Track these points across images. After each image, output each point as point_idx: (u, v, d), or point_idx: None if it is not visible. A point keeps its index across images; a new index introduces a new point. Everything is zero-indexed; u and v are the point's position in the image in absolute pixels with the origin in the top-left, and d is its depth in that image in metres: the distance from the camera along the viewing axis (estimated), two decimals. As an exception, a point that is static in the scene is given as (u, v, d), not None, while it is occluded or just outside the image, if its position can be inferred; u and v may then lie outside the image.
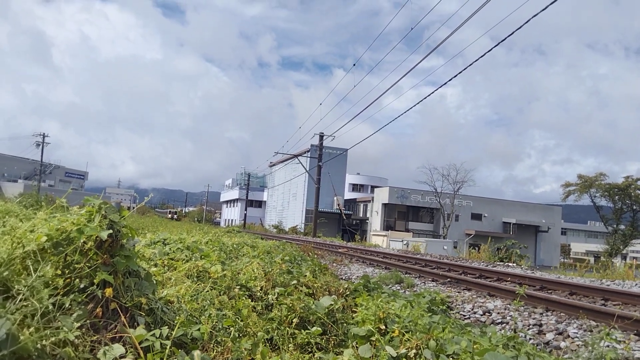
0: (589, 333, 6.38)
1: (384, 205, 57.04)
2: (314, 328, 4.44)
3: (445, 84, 15.07)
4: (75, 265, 2.98)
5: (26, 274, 2.80)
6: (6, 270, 2.70)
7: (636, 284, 12.02)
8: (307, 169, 50.13)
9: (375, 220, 58.13)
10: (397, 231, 52.38)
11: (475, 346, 4.07)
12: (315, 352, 4.17)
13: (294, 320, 4.56)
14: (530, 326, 6.95)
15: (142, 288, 3.32)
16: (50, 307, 2.63)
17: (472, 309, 8.29)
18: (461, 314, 8.09)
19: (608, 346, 5.32)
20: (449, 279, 11.63)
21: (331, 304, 4.95)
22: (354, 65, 25.91)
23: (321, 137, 43.87)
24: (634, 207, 59.28)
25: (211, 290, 4.86)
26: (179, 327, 3.20)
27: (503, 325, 7.26)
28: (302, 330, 4.43)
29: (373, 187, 69.39)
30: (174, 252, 7.15)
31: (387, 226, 56.44)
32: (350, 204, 67.76)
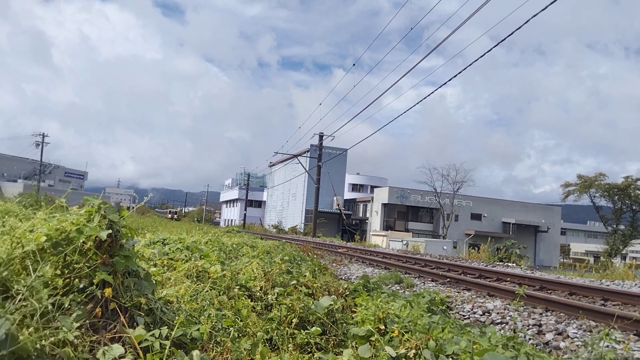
0: (589, 333, 6.38)
1: (384, 205, 57.05)
2: (314, 328, 4.44)
3: (445, 84, 15.07)
4: (75, 265, 2.98)
5: (25, 274, 2.80)
6: (5, 270, 2.69)
7: (636, 284, 12.02)
8: (307, 169, 50.14)
9: (375, 220, 58.14)
10: (397, 231, 52.40)
11: (474, 346, 4.07)
12: (314, 352, 4.17)
13: (293, 321, 4.56)
14: (530, 326, 6.95)
15: (142, 288, 3.31)
16: (50, 307, 2.62)
17: (472, 309, 8.29)
18: (461, 314, 8.09)
19: (607, 346, 5.32)
20: (448, 279, 11.63)
21: (331, 304, 4.95)
22: (354, 65, 25.92)
23: (321, 137, 43.87)
24: (634, 207, 59.30)
25: (210, 290, 4.86)
26: (178, 327, 3.20)
27: (502, 325, 7.26)
28: (302, 331, 4.43)
29: (373, 187, 69.40)
30: (173, 252, 7.15)
31: (387, 226, 56.45)
32: (350, 204, 67.78)
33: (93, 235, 3.02)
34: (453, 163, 61.28)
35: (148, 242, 8.15)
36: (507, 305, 8.28)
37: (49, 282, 2.83)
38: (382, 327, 4.57)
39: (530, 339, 6.38)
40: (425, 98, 17.07)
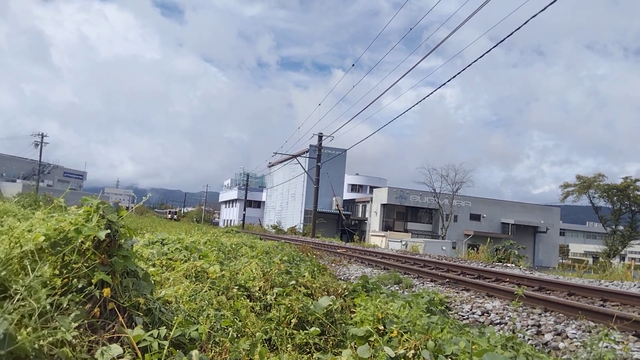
0: (588, 334, 6.39)
1: (383, 205, 57.06)
2: (313, 328, 4.43)
3: (444, 84, 15.09)
4: (73, 265, 2.97)
5: (24, 273, 2.79)
6: (4, 270, 2.69)
7: (635, 285, 12.03)
8: (306, 170, 50.15)
9: (374, 221, 58.14)
10: (396, 232, 52.41)
11: (473, 347, 4.07)
12: (313, 352, 4.17)
13: (292, 321, 4.56)
14: (529, 327, 6.95)
15: (140, 288, 3.31)
16: (48, 307, 2.62)
17: (471, 310, 8.29)
18: (460, 315, 8.08)
19: (607, 347, 5.32)
20: (447, 280, 11.63)
21: (330, 305, 4.94)
22: (353, 65, 25.91)
23: (320, 137, 43.88)
24: (633, 208, 59.36)
25: (209, 290, 4.86)
26: (177, 328, 3.20)
27: (502, 325, 7.26)
28: (301, 331, 4.43)
29: (372, 188, 69.44)
30: (172, 252, 7.15)
31: (386, 227, 56.47)
32: (349, 204, 67.79)
33: (91, 235, 3.01)
34: (452, 164, 61.36)
35: (147, 242, 8.14)
36: (506, 306, 8.28)
37: (48, 282, 2.82)
38: (381, 327, 4.57)
39: (529, 339, 6.38)
40: (424, 98, 17.09)
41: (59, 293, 2.80)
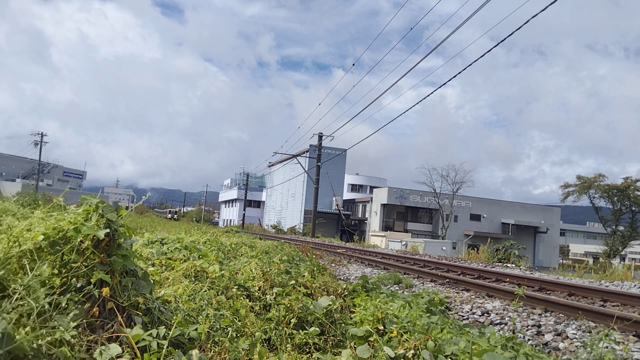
0: (588, 334, 6.38)
1: (383, 205, 57.06)
2: (312, 328, 4.43)
3: (444, 84, 15.08)
4: (72, 264, 2.96)
5: (22, 273, 2.79)
6: (2, 269, 2.68)
7: (635, 285, 12.02)
8: (306, 169, 50.15)
9: (374, 221, 58.14)
10: (396, 232, 52.41)
11: (473, 347, 4.06)
12: (313, 352, 4.16)
13: (292, 321, 4.55)
14: (529, 327, 6.94)
15: (139, 288, 3.30)
16: (47, 306, 2.61)
17: (471, 310, 8.28)
18: (460, 315, 8.08)
19: (607, 347, 5.32)
20: (447, 280, 11.63)
21: (329, 304, 4.93)
22: (353, 65, 25.91)
23: (320, 137, 43.88)
24: (633, 209, 59.36)
25: (209, 290, 4.85)
26: (176, 327, 3.19)
27: (502, 326, 7.25)
28: (300, 331, 4.42)
29: (372, 188, 69.44)
30: (171, 251, 7.14)
31: (386, 227, 56.47)
32: (349, 204, 67.79)
33: (91, 234, 3.00)
34: (452, 164, 61.37)
35: (146, 242, 8.13)
36: (506, 306, 8.27)
37: (46, 281, 2.82)
38: (381, 327, 4.56)
39: (529, 339, 6.38)
40: (424, 98, 17.08)
41: (57, 292, 2.79)
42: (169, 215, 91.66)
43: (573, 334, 6.42)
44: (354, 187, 77.36)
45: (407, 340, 4.11)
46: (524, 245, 33.04)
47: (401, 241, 37.96)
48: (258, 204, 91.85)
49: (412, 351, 3.91)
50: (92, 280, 2.93)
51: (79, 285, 2.91)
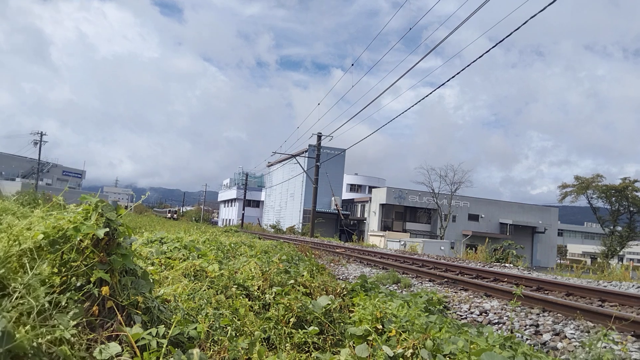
0: (586, 334, 6.39)
1: (382, 205, 57.09)
2: (311, 327, 4.43)
3: (443, 84, 15.09)
4: (72, 263, 2.97)
5: (22, 271, 2.79)
6: (2, 267, 2.68)
7: (633, 286, 12.04)
8: (305, 169, 50.15)
9: (373, 221, 58.16)
10: (395, 231, 52.43)
11: (472, 346, 4.07)
12: (312, 351, 4.17)
13: (291, 320, 4.56)
14: (527, 326, 6.96)
15: (139, 287, 3.31)
16: (47, 305, 2.61)
17: (469, 309, 8.29)
18: (458, 314, 8.09)
19: (605, 347, 5.33)
20: (446, 279, 11.64)
21: (328, 304, 4.94)
22: (352, 65, 25.90)
23: (319, 137, 43.88)
24: (631, 209, 59.44)
25: (208, 289, 4.85)
26: (175, 326, 3.19)
27: (500, 325, 7.26)
28: (299, 330, 4.43)
29: (371, 188, 69.46)
30: (171, 251, 7.14)
31: (385, 226, 56.48)
32: (348, 204, 67.80)
33: (90, 233, 3.01)
34: (451, 164, 61.39)
35: (145, 241, 8.13)
36: (505, 306, 8.29)
37: (46, 280, 2.82)
38: (380, 326, 4.57)
39: (527, 339, 6.39)
40: (423, 98, 17.09)
41: (57, 291, 2.80)
42: (169, 214, 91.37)
43: (571, 333, 6.44)
44: (353, 187, 77.37)
45: (405, 339, 4.12)
46: (521, 245, 33.10)
47: (400, 241, 37.97)
48: (257, 203, 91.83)
49: (410, 350, 3.92)
50: (91, 279, 2.94)
51: (78, 284, 2.92)
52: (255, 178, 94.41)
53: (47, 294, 2.68)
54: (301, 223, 61.66)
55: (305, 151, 61.02)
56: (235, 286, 5.31)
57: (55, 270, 2.91)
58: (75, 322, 2.64)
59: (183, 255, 6.80)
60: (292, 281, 6.12)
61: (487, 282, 11.37)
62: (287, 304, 4.81)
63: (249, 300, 5.08)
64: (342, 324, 4.86)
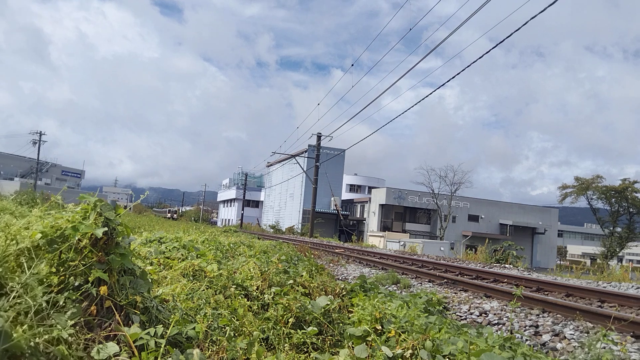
0: (586, 334, 6.38)
1: (381, 206, 57.09)
2: (310, 328, 4.42)
3: (443, 85, 15.09)
4: (70, 262, 2.96)
5: (20, 271, 2.78)
6: (0, 267, 2.67)
7: (632, 286, 12.04)
8: (305, 169, 50.15)
9: (372, 221, 58.15)
10: (394, 232, 52.43)
11: (471, 347, 4.06)
12: (311, 352, 4.15)
13: (290, 320, 4.55)
14: (527, 327, 6.95)
15: (137, 286, 3.29)
16: (44, 304, 2.60)
17: (469, 310, 8.28)
18: (458, 315, 8.08)
19: (604, 347, 5.32)
20: (445, 280, 11.63)
21: (327, 304, 4.93)
22: (352, 65, 25.89)
23: (319, 137, 43.88)
24: (631, 210, 59.46)
25: (207, 289, 4.84)
26: (174, 326, 3.18)
27: (499, 326, 7.26)
28: (298, 330, 4.42)
29: (370, 188, 69.47)
30: (169, 250, 7.13)
31: (384, 227, 56.48)
32: (348, 204, 67.80)
33: (89, 232, 3.00)
34: (451, 164, 61.47)
35: (144, 241, 8.12)
36: (504, 306, 8.28)
37: (44, 280, 2.81)
38: (379, 327, 4.56)
39: (527, 339, 6.38)
40: (423, 99, 17.09)
41: (55, 291, 2.79)
42: (168, 214, 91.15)
43: (571, 334, 6.43)
44: (353, 188, 77.38)
45: (405, 340, 4.11)
46: (521, 246, 33.15)
47: (399, 241, 37.96)
48: (256, 203, 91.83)
49: (410, 351, 3.91)
50: (90, 278, 2.93)
51: (76, 283, 2.90)
52: (254, 178, 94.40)
53: (44, 294, 2.67)
54: (300, 223, 61.65)
55: (305, 151, 61.03)
56: (234, 286, 5.30)
57: (53, 269, 2.90)
58: (73, 322, 2.63)
59: (182, 255, 6.79)
60: (291, 281, 6.11)
61: (486, 282, 11.37)
62: (286, 304, 4.80)
63: (248, 301, 5.07)
64: (341, 324, 4.85)
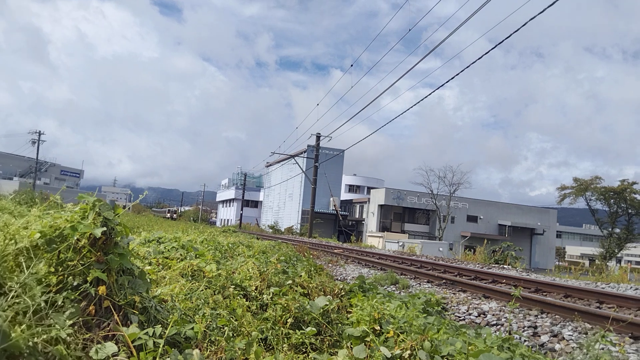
0: (584, 335, 6.39)
1: (380, 206, 57.10)
2: (309, 328, 4.42)
3: (442, 85, 15.10)
4: (69, 262, 2.95)
5: (19, 270, 2.78)
6: (-2, 266, 2.67)
7: (631, 287, 12.05)
8: (304, 170, 50.16)
9: (371, 222, 58.17)
10: (393, 232, 52.44)
11: (470, 347, 4.07)
12: (309, 352, 4.15)
13: (288, 320, 4.54)
14: (525, 328, 6.95)
15: (136, 286, 3.29)
16: (43, 304, 2.60)
17: (467, 311, 8.29)
18: (456, 316, 8.08)
19: (603, 348, 5.33)
20: (444, 281, 11.63)
21: (326, 305, 4.93)
22: (352, 66, 25.90)
23: (318, 137, 43.89)
24: (629, 211, 59.54)
25: (206, 289, 4.84)
26: (172, 326, 3.18)
27: (498, 327, 7.26)
28: (297, 331, 4.41)
29: (369, 189, 69.49)
30: (168, 250, 7.12)
31: (383, 227, 56.50)
32: (347, 205, 67.80)
33: (87, 232, 3.00)
34: (450, 165, 61.54)
35: (143, 241, 8.12)
36: (503, 307, 8.28)
37: (42, 279, 2.81)
38: (378, 327, 4.56)
39: (525, 340, 6.38)
40: (423, 99, 17.10)
41: (54, 290, 2.78)
42: (168, 214, 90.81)
43: (569, 335, 6.43)
44: (352, 188, 77.39)
45: (403, 340, 4.11)
46: (520, 247, 33.18)
47: (398, 242, 37.98)
48: (255, 204, 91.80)
49: (408, 351, 3.91)
50: (88, 278, 2.93)
51: (75, 283, 2.90)
52: (253, 178, 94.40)
53: (43, 293, 2.67)
54: (299, 223, 61.65)
55: (304, 151, 61.05)
56: (233, 286, 5.29)
57: (52, 269, 2.90)
58: (71, 322, 2.63)
59: (181, 255, 6.79)
60: (289, 282, 6.11)
61: (485, 283, 11.37)
62: (285, 305, 4.79)
63: (247, 301, 5.07)
64: (339, 324, 4.85)
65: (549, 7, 10.45)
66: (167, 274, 5.30)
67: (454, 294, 10.00)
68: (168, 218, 76.31)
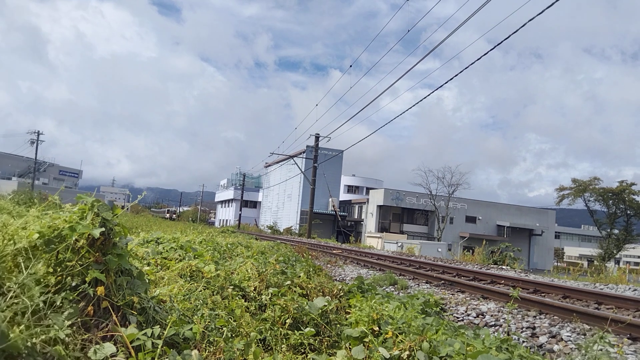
0: (582, 336, 6.40)
1: (379, 207, 57.11)
2: (307, 329, 4.42)
3: (441, 86, 15.11)
4: (67, 263, 2.95)
5: (17, 271, 2.77)
6: (-3, 267, 2.67)
7: (629, 288, 12.07)
8: (303, 170, 50.16)
9: (370, 222, 58.17)
10: (392, 233, 52.45)
11: (468, 348, 4.07)
12: (308, 353, 4.15)
13: (287, 321, 4.54)
14: (524, 329, 6.96)
15: (134, 287, 3.29)
16: (41, 304, 2.60)
17: (466, 311, 8.29)
18: (455, 316, 8.09)
19: (601, 349, 5.33)
20: (442, 281, 11.64)
21: (325, 305, 4.93)
22: (351, 66, 25.91)
23: (317, 138, 43.89)
24: (628, 212, 59.61)
25: (204, 290, 4.84)
26: (170, 327, 3.18)
27: (496, 327, 7.26)
28: (295, 331, 4.41)
29: (368, 189, 69.52)
30: (167, 251, 7.12)
31: (382, 228, 56.51)
32: (345, 205, 67.80)
33: (86, 232, 2.99)
34: (448, 166, 61.59)
35: (142, 241, 8.11)
36: (501, 308, 8.29)
37: (41, 280, 2.80)
38: (376, 328, 4.56)
39: (523, 341, 6.39)
40: (422, 100, 17.10)
41: (52, 291, 2.78)
42: (167, 215, 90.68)
43: (567, 336, 6.44)
44: (350, 188, 77.41)
45: (402, 341, 4.11)
46: (519, 248, 33.21)
47: (397, 242, 37.98)
48: (254, 204, 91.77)
49: (407, 352, 3.92)
50: (87, 279, 2.92)
51: (73, 284, 2.90)
52: (252, 179, 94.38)
53: (41, 294, 2.67)
54: (298, 224, 61.63)
55: (303, 152, 61.04)
56: (232, 287, 5.29)
57: (51, 269, 2.90)
58: (70, 322, 2.63)
59: (179, 255, 6.78)
60: (288, 282, 6.11)
61: (484, 284, 11.38)
62: (284, 305, 4.79)
63: (245, 301, 5.07)
64: (338, 325, 4.85)
65: (548, 8, 10.47)
66: (166, 274, 5.30)
67: (452, 294, 10.01)
68: (167, 218, 76.27)
